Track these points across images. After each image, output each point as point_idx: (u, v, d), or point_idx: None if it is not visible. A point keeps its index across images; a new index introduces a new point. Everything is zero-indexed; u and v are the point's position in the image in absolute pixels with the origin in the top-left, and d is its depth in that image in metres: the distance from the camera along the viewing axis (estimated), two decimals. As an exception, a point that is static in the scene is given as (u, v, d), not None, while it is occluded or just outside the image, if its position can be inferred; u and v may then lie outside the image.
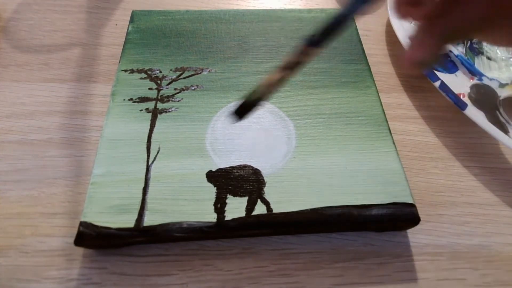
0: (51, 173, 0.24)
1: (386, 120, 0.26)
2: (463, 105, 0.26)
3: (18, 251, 0.21)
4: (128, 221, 0.20)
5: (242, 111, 0.18)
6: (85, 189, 0.23)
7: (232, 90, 0.27)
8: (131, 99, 0.26)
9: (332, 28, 0.13)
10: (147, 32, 0.30)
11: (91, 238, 0.19)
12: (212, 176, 0.22)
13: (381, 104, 0.27)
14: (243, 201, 0.21)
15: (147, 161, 0.23)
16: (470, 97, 0.29)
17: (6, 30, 0.33)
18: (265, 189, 0.22)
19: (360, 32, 0.32)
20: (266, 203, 0.21)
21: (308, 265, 0.21)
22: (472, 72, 0.31)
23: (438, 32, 0.13)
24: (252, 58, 0.29)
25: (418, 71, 0.14)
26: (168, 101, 0.26)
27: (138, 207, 0.21)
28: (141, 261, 0.21)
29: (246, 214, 0.21)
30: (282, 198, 0.22)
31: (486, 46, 0.34)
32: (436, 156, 0.27)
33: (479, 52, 0.33)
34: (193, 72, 0.28)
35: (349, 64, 0.29)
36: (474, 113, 0.26)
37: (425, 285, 0.21)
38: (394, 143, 0.24)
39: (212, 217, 0.21)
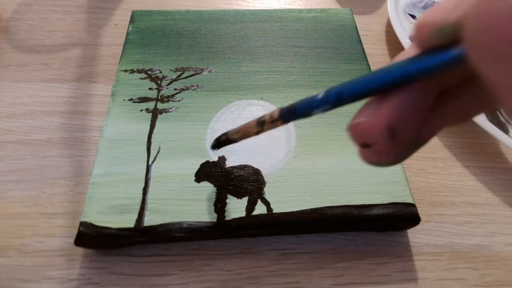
0: (51, 173, 0.24)
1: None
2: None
3: (18, 251, 0.21)
4: (128, 221, 0.20)
5: (217, 145, 0.20)
6: (85, 189, 0.23)
7: (232, 90, 0.27)
8: (131, 99, 0.26)
9: (304, 114, 0.13)
10: (147, 32, 0.30)
11: (91, 238, 0.19)
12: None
13: (381, 104, 0.27)
14: (243, 201, 0.21)
15: (147, 161, 0.23)
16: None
17: (7, 31, 0.33)
18: (265, 189, 0.22)
19: (360, 32, 0.32)
20: (266, 203, 0.21)
21: (308, 265, 0.21)
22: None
23: (405, 143, 0.11)
24: (252, 58, 0.29)
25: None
26: (168, 101, 0.26)
27: (138, 207, 0.21)
28: (141, 261, 0.21)
29: (246, 214, 0.21)
30: (282, 198, 0.22)
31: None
32: (436, 156, 0.27)
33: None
34: (193, 72, 0.28)
35: (349, 64, 0.29)
36: (474, 113, 0.26)
37: (425, 285, 0.21)
38: (394, 143, 0.24)
39: (212, 217, 0.21)
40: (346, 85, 0.11)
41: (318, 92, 0.12)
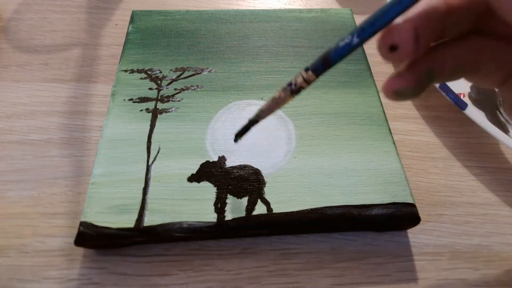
0: (51, 173, 0.24)
1: (386, 120, 0.26)
2: (463, 105, 0.26)
3: (18, 251, 0.21)
4: (128, 221, 0.20)
5: (242, 129, 0.19)
6: (85, 189, 0.23)
7: (232, 90, 0.27)
8: (131, 99, 0.26)
9: (331, 63, 0.14)
10: (147, 32, 0.30)
11: (91, 238, 0.19)
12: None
13: (381, 104, 0.27)
14: (243, 201, 0.21)
15: (147, 161, 0.23)
16: (470, 97, 0.29)
17: (6, 30, 0.33)
18: (265, 189, 0.22)
19: (360, 32, 0.32)
20: (266, 203, 0.21)
21: (308, 265, 0.21)
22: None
23: (421, 70, 0.13)
24: (252, 58, 0.29)
25: (398, 100, 0.15)
26: (168, 101, 0.26)
27: (138, 207, 0.21)
28: (141, 261, 0.21)
29: (246, 214, 0.21)
30: (282, 198, 0.22)
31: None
32: (436, 156, 0.27)
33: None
34: (193, 72, 0.28)
35: (349, 64, 0.29)
36: (474, 113, 0.26)
37: (425, 285, 0.21)
38: (394, 143, 0.24)
39: (212, 217, 0.21)
40: (373, 17, 0.13)
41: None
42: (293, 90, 0.15)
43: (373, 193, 0.22)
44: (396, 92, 0.14)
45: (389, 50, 0.13)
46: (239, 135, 0.20)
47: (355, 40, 0.13)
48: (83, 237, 0.19)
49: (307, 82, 0.15)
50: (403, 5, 0.12)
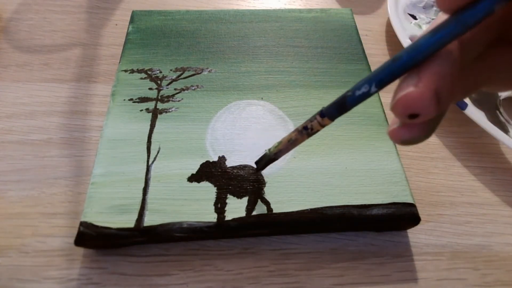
0: (51, 173, 0.24)
1: (386, 120, 0.26)
2: (463, 105, 0.26)
3: (18, 251, 0.21)
4: (128, 221, 0.20)
5: (262, 164, 0.21)
6: (85, 189, 0.23)
7: (232, 90, 0.27)
8: (131, 99, 0.26)
9: (347, 109, 0.14)
10: (147, 32, 0.30)
11: (91, 238, 0.19)
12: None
13: (381, 104, 0.27)
14: (243, 201, 0.21)
15: (147, 161, 0.23)
16: (470, 96, 0.29)
17: (6, 30, 0.33)
18: (265, 189, 0.22)
19: (360, 32, 0.32)
20: (266, 203, 0.21)
21: (308, 265, 0.21)
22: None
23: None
24: (252, 58, 0.29)
25: (407, 145, 0.13)
26: (168, 101, 0.26)
27: (138, 207, 0.21)
28: (141, 261, 0.21)
29: (246, 214, 0.21)
30: (282, 198, 0.22)
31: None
32: (436, 156, 0.27)
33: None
34: (193, 72, 0.28)
35: (349, 64, 0.29)
36: (474, 113, 0.26)
37: (425, 285, 0.21)
38: (394, 143, 0.24)
39: (212, 217, 0.21)
40: (379, 71, 0.12)
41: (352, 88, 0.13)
42: (309, 133, 0.16)
43: (373, 193, 0.22)
44: (405, 141, 0.12)
45: (408, 118, 0.11)
46: (259, 168, 0.21)
47: (373, 89, 0.12)
48: (83, 237, 0.19)
49: (322, 126, 0.16)
50: (423, 53, 0.11)
